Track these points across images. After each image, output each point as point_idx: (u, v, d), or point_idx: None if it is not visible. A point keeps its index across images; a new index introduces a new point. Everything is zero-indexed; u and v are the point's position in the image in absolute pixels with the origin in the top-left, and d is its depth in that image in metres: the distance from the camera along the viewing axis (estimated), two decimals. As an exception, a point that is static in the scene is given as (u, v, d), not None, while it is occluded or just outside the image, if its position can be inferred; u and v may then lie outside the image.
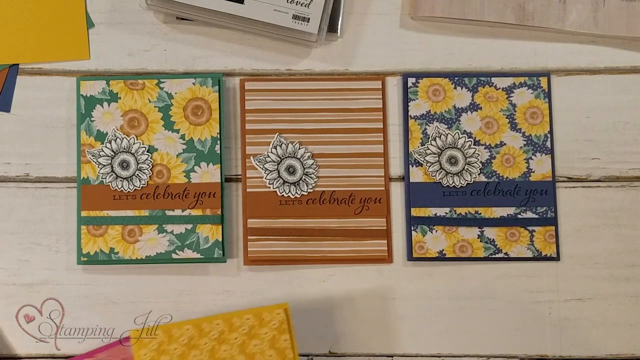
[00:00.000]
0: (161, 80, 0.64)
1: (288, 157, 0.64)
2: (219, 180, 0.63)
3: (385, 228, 0.64)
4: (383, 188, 0.65)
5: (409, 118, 0.65)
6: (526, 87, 0.66)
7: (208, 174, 0.63)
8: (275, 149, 0.64)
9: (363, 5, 0.67)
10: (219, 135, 0.64)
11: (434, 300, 0.64)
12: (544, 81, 0.66)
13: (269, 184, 0.64)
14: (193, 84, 0.64)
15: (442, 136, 0.65)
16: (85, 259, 0.63)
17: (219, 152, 0.64)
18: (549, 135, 0.65)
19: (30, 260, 0.64)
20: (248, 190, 0.64)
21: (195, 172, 0.63)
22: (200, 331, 0.58)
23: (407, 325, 0.64)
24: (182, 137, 0.64)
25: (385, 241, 0.64)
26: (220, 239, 0.63)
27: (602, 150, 0.66)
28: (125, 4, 0.66)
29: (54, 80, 0.65)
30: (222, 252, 0.63)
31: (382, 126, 0.65)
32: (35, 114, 0.65)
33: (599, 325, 0.64)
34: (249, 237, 0.64)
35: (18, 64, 0.66)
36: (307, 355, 0.64)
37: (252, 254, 0.64)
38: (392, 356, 0.64)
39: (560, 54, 0.67)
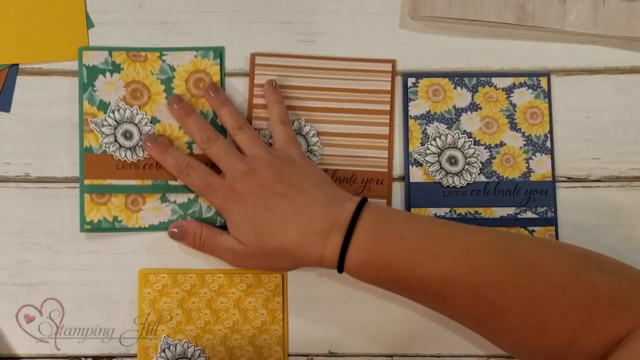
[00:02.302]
0: (163, 52, 0.65)
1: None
2: None
3: None
4: (386, 170, 0.65)
5: (409, 118, 0.65)
6: (526, 87, 0.66)
7: None
8: None
9: (363, 5, 0.67)
10: None
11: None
12: (543, 81, 0.66)
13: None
14: (195, 56, 0.65)
15: (442, 136, 0.65)
16: (89, 226, 0.63)
17: (220, 123, 0.64)
18: (548, 135, 0.65)
19: (31, 260, 0.64)
20: None
21: None
22: (202, 281, 0.63)
23: (407, 325, 0.64)
24: None
25: None
26: None
27: (602, 150, 0.66)
28: (125, 4, 0.66)
29: (54, 80, 0.65)
30: (224, 220, 0.63)
31: (389, 108, 0.65)
32: (35, 114, 0.65)
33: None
34: None
35: (18, 64, 0.66)
36: (307, 355, 0.64)
37: None
38: (392, 356, 0.64)
39: (560, 54, 0.67)
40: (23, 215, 0.64)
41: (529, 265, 0.53)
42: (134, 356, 0.63)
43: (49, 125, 0.65)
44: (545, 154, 0.65)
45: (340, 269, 0.57)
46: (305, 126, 0.65)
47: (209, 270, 0.64)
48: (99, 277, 0.64)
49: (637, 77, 0.67)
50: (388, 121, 0.65)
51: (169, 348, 0.62)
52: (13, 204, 0.65)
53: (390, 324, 0.64)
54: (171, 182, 0.63)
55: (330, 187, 0.60)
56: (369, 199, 0.58)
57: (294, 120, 0.65)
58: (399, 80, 0.66)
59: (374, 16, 0.67)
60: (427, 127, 0.66)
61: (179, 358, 0.62)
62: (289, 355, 0.64)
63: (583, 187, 0.66)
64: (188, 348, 0.62)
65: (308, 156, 0.64)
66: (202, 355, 0.63)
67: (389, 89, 0.65)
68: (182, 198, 0.64)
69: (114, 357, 0.63)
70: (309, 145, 0.64)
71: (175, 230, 0.62)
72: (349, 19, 0.67)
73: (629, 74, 0.67)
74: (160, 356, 0.62)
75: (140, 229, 0.63)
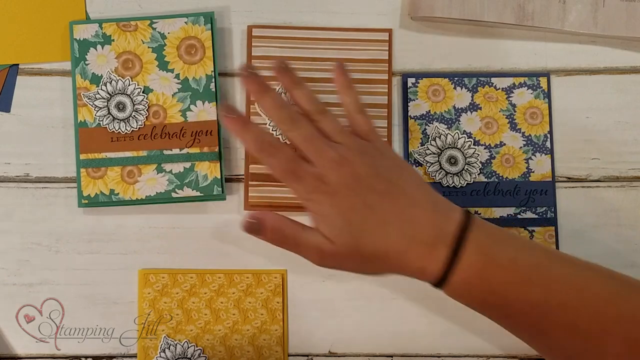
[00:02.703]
0: (153, 20, 0.65)
1: (293, 104, 0.64)
2: (215, 118, 0.64)
3: None
4: (385, 138, 0.65)
5: (409, 118, 0.65)
6: (526, 88, 0.66)
7: (204, 112, 0.64)
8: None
9: (363, 5, 0.67)
10: (213, 73, 0.64)
11: (434, 300, 0.64)
12: (543, 81, 0.66)
13: (273, 130, 0.64)
14: (185, 23, 0.65)
15: (442, 136, 0.65)
16: (87, 201, 0.63)
17: (214, 89, 0.64)
18: (548, 135, 0.66)
19: (30, 260, 0.64)
20: None
21: (192, 110, 0.64)
22: (202, 281, 0.63)
23: (407, 325, 0.64)
24: (177, 76, 0.64)
25: None
26: (219, 176, 0.63)
27: (601, 151, 0.66)
28: (125, 4, 0.66)
29: (53, 80, 0.66)
30: (221, 189, 0.63)
31: (387, 77, 0.65)
32: (35, 114, 0.65)
33: (598, 325, 0.64)
34: (250, 183, 0.64)
35: (18, 64, 0.66)
36: (307, 355, 0.64)
37: (252, 199, 0.64)
38: (391, 356, 0.64)
39: (560, 54, 0.67)
40: (23, 215, 0.65)
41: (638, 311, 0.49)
42: (134, 356, 0.63)
43: (49, 126, 0.65)
44: (545, 154, 0.65)
45: (441, 285, 0.52)
46: None
47: (209, 270, 0.64)
48: (98, 277, 0.64)
49: (637, 77, 0.67)
50: (386, 90, 0.65)
51: (169, 348, 0.62)
52: (13, 204, 0.65)
53: (390, 324, 0.64)
54: (166, 152, 0.63)
55: (427, 188, 0.54)
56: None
57: None
58: (398, 80, 0.66)
59: (374, 16, 0.67)
60: (427, 127, 0.66)
61: (179, 358, 0.62)
62: (289, 355, 0.64)
63: (583, 187, 0.66)
64: (188, 348, 0.62)
65: None
66: (202, 355, 0.63)
67: (387, 57, 0.66)
68: (178, 167, 0.63)
69: (114, 357, 0.63)
70: None
71: (252, 221, 0.55)
72: (349, 18, 0.67)
73: (628, 74, 0.67)
74: (160, 356, 0.62)
75: (137, 201, 0.63)
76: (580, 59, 0.67)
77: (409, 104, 0.66)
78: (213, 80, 0.64)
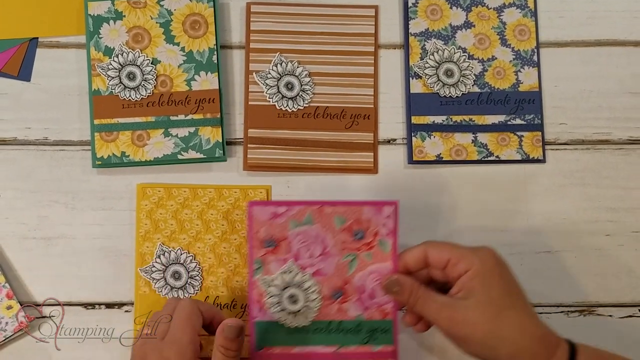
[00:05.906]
0: None
1: (287, 74, 0.70)
2: (217, 87, 0.69)
3: (372, 142, 0.70)
4: (372, 105, 0.70)
5: (409, 35, 0.71)
6: (515, 7, 0.72)
7: (207, 81, 0.69)
8: (276, 66, 0.70)
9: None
10: (215, 47, 0.69)
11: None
12: (530, 1, 0.72)
13: (269, 98, 0.70)
14: (190, 0, 0.70)
15: (439, 51, 0.71)
16: (100, 162, 0.68)
17: (216, 61, 0.69)
18: (535, 50, 0.71)
19: (49, 216, 0.69)
20: (250, 103, 0.70)
21: (196, 80, 0.69)
22: (194, 194, 0.68)
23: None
24: (182, 49, 0.69)
25: (372, 153, 0.70)
26: (221, 140, 0.68)
27: (568, 116, 0.71)
28: (135, -18, 0.71)
29: (70, 52, 0.71)
30: (222, 151, 0.68)
31: (373, 50, 0.71)
32: (53, 83, 0.70)
33: (566, 276, 0.69)
34: (249, 145, 0.69)
35: (37, 38, 0.71)
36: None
37: (251, 160, 0.69)
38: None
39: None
40: (42, 176, 0.69)
41: None
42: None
43: (66, 94, 0.70)
44: (533, 67, 0.71)
45: None
46: (298, 67, 0.70)
47: (200, 185, 0.69)
48: (111, 231, 0.69)
49: (601, 49, 0.72)
50: (373, 61, 0.71)
51: (163, 254, 0.67)
52: (33, 165, 0.69)
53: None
54: (172, 118, 0.68)
55: None
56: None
57: (288, 62, 0.70)
58: (384, 52, 0.72)
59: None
60: (425, 43, 0.71)
61: (172, 263, 0.67)
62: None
63: (551, 149, 0.70)
64: (181, 254, 0.68)
65: (301, 95, 0.69)
66: (193, 261, 0.68)
67: (373, 32, 0.71)
68: (183, 132, 0.69)
69: (125, 304, 0.68)
70: (301, 85, 0.70)
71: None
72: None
73: (593, 47, 0.72)
74: (156, 261, 0.67)
75: (146, 162, 0.68)
76: (549, 33, 0.72)
77: (409, 22, 0.71)
78: (215, 52, 0.69)
